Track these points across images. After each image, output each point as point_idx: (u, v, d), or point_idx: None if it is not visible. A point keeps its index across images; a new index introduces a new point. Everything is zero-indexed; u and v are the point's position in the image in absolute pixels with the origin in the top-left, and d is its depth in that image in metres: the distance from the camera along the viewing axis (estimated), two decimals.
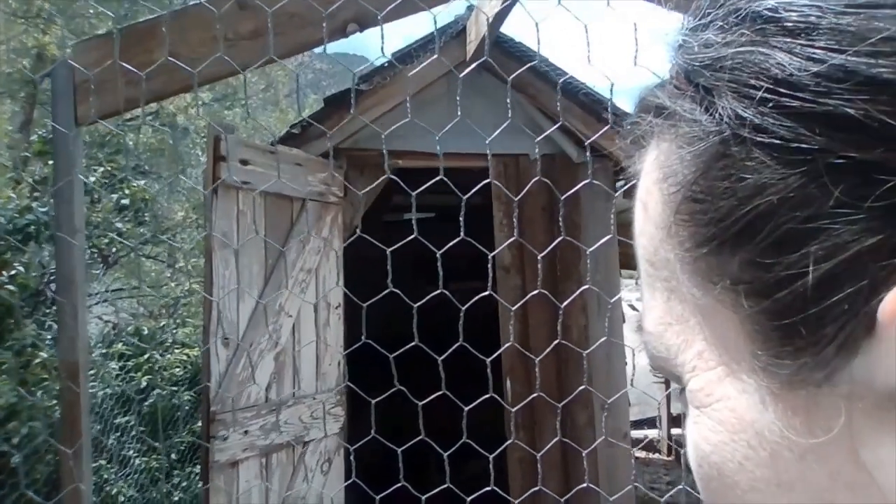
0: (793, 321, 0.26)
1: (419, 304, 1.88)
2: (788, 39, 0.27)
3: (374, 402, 2.00)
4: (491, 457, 2.05)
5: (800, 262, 0.25)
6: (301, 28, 1.91)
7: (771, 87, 0.26)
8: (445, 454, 1.93)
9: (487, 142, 1.97)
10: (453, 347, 1.95)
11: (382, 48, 1.97)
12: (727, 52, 0.28)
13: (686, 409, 0.33)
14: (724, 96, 0.28)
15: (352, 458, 1.95)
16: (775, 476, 0.28)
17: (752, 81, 0.27)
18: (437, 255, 1.79)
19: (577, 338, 3.63)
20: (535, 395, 2.37)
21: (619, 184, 4.05)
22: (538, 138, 2.45)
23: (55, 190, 1.94)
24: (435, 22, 2.07)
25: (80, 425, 1.89)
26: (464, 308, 1.86)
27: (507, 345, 2.73)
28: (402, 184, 1.98)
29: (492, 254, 1.95)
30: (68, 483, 1.83)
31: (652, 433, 7.79)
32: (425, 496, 1.97)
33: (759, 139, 0.26)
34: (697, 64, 0.30)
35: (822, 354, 0.25)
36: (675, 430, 7.49)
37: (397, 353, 1.96)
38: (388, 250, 1.83)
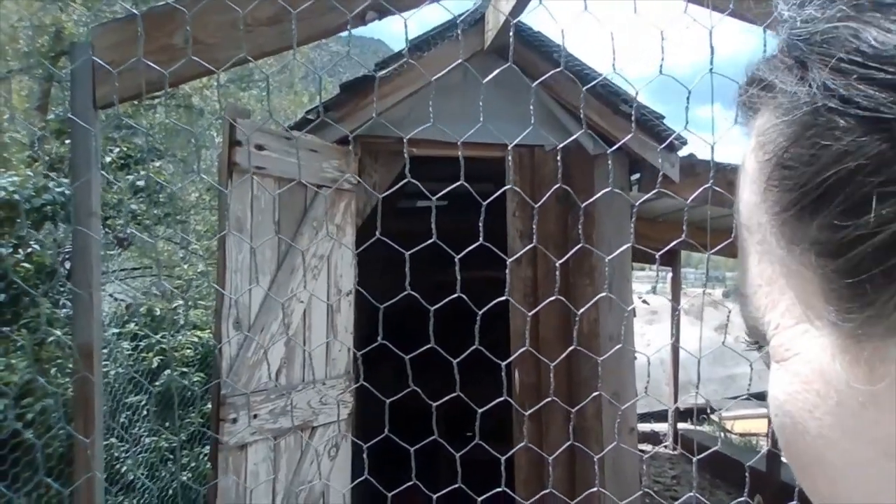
0: (860, 279, 0.28)
1: (436, 307, 1.87)
2: (879, 14, 0.29)
3: (387, 401, 2.00)
4: (503, 458, 2.04)
5: (870, 224, 0.27)
6: (320, 15, 1.89)
7: (855, 59, 0.29)
8: (458, 455, 1.92)
9: (510, 147, 1.95)
10: (468, 352, 1.96)
11: (406, 40, 1.95)
12: (822, 27, 0.31)
13: (769, 366, 0.36)
14: (816, 68, 0.30)
15: (364, 455, 1.96)
16: (839, 423, 0.30)
17: (840, 54, 0.29)
18: (456, 260, 1.78)
19: (587, 330, 3.62)
20: (548, 399, 2.37)
21: (633, 177, 4.03)
22: (559, 145, 2.42)
23: (72, 173, 1.94)
24: (458, 26, 2.04)
25: (94, 407, 1.91)
26: (480, 312, 1.86)
27: (521, 349, 2.72)
28: (420, 186, 1.96)
29: (510, 260, 1.93)
30: (82, 467, 1.85)
31: (659, 427, 7.79)
32: (436, 495, 1.97)
33: (842, 109, 0.29)
34: (796, 38, 0.32)
35: (883, 309, 0.28)
36: (682, 425, 7.48)
37: (412, 354, 1.95)
38: (407, 253, 1.82)
